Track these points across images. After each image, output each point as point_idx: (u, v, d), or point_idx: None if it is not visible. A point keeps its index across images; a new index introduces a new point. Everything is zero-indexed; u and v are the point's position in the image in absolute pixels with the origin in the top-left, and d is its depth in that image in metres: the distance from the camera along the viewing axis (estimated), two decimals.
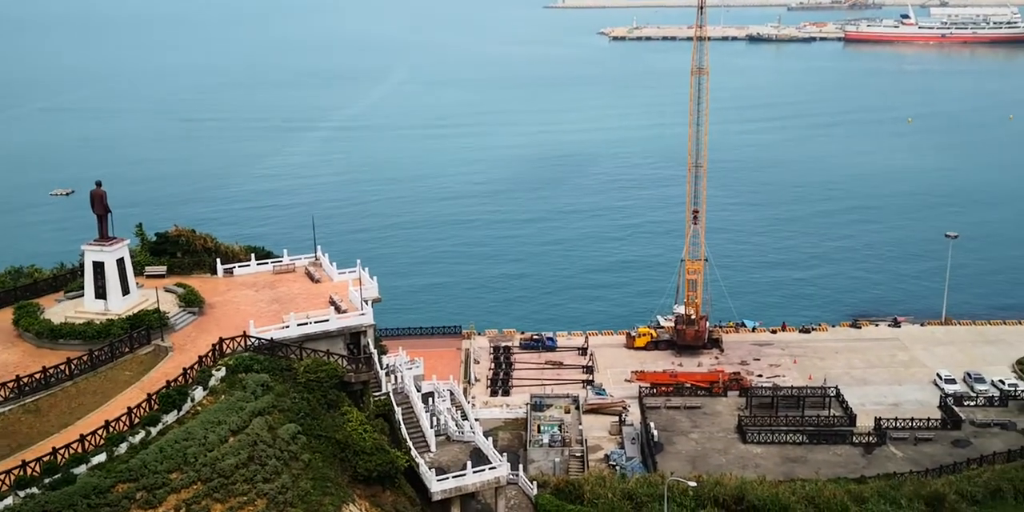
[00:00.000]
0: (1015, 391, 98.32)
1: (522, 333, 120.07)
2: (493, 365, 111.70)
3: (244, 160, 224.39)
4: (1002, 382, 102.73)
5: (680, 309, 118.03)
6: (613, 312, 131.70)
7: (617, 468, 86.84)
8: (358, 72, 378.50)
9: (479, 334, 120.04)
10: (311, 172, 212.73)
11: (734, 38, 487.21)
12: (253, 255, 78.16)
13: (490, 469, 66.09)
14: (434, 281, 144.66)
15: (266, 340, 62.26)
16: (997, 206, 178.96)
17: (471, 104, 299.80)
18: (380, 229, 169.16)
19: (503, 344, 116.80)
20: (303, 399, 60.26)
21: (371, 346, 69.56)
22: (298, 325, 65.12)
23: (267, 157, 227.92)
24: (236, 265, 76.36)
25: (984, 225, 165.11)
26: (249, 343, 61.64)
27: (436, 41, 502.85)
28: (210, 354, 59.24)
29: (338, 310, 69.20)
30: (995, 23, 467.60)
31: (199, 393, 56.01)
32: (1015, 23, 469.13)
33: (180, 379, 55.72)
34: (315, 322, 66.38)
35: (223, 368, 58.43)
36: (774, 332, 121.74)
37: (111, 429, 50.59)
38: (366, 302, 69.62)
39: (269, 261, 78.03)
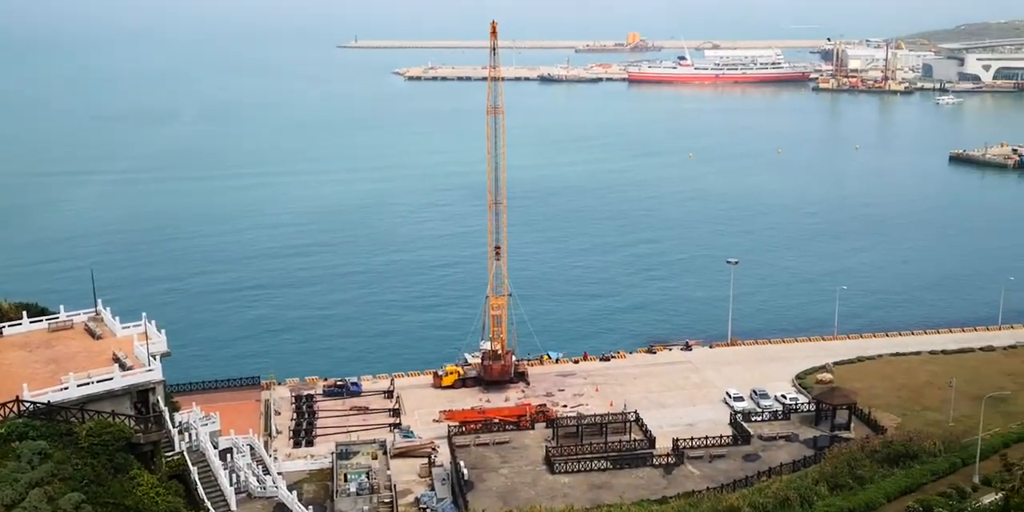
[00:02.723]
0: (796, 404, 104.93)
1: (325, 380, 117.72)
2: (295, 415, 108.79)
3: (11, 212, 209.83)
4: (784, 397, 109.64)
5: (486, 345, 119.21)
6: (419, 352, 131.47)
7: (428, 511, 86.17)
8: (139, 114, 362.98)
9: (280, 384, 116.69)
10: (89, 223, 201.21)
11: (527, 78, 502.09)
12: (25, 312, 73.19)
13: None
14: (229, 331, 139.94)
15: (42, 404, 58.35)
16: (770, 232, 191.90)
17: (263, 147, 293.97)
18: (167, 280, 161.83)
19: (305, 393, 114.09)
20: (87, 465, 56.72)
21: (161, 403, 66.51)
22: (78, 386, 61.50)
23: (38, 208, 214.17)
24: (5, 324, 71.30)
25: (760, 250, 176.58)
26: (23, 408, 57.55)
27: (225, 82, 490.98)
28: None
29: (123, 367, 65.87)
30: (762, 64, 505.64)
31: None
32: (779, 64, 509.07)
33: None
34: (97, 381, 62.91)
35: None
36: (576, 362, 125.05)
37: None
38: (154, 357, 66.67)
39: (44, 318, 73.34)
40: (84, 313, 75.41)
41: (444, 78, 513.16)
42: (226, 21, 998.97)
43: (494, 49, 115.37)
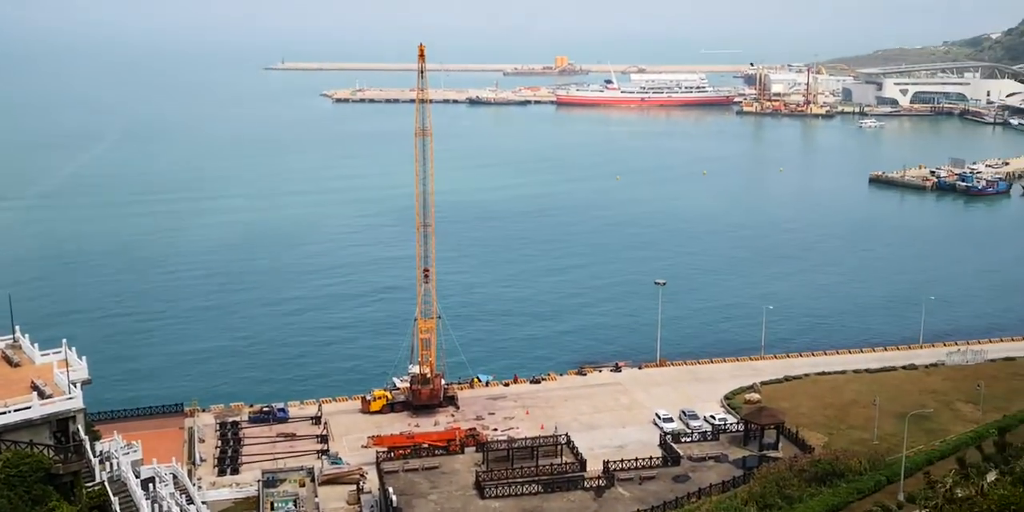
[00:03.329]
0: (724, 425, 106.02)
1: (251, 406, 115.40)
2: (220, 442, 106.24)
3: None
4: (713, 417, 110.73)
5: (415, 369, 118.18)
6: (347, 377, 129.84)
7: None
8: (62, 137, 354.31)
9: (204, 410, 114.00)
10: (6, 249, 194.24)
11: (455, 101, 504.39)
12: None
13: None
14: (152, 358, 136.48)
15: None
16: (697, 254, 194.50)
17: (190, 171, 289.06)
18: (89, 307, 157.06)
19: (230, 419, 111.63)
20: (3, 497, 54.85)
21: (81, 432, 64.48)
22: None
23: None
24: None
25: (688, 272, 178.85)
26: None
27: (150, 104, 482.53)
28: None
29: (42, 395, 63.73)
30: (686, 88, 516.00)
31: None
32: (703, 87, 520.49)
33: None
34: (14, 410, 60.76)
35: None
36: (507, 385, 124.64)
37: None
38: (74, 385, 64.66)
39: None
40: (1, 340, 72.95)
41: (372, 100, 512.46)
42: (150, 43, 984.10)
43: (422, 72, 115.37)
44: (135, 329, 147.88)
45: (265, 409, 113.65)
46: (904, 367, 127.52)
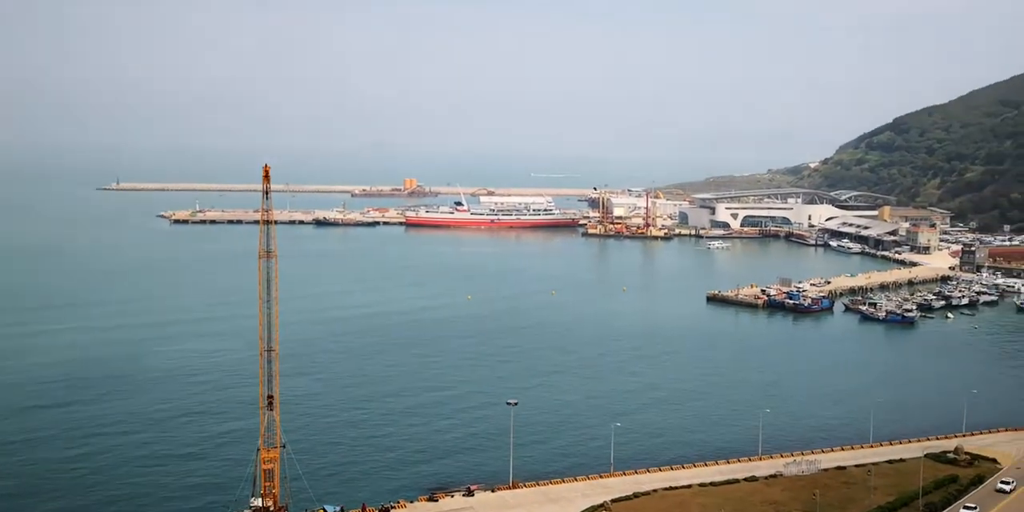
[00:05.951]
0: None
1: None
2: None
3: None
4: None
5: (257, 502, 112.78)
6: None
7: None
8: None
9: None
10: None
11: (302, 222, 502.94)
12: None
13: None
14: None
15: None
16: (547, 372, 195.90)
17: (6, 299, 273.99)
18: None
19: None
20: None
21: None
22: None
23: None
24: None
25: (538, 391, 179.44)
26: None
27: None
28: None
29: None
30: (534, 210, 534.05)
31: None
32: (550, 210, 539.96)
33: None
34: None
35: None
36: None
37: None
38: None
39: None
40: None
41: (213, 221, 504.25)
42: None
43: (267, 192, 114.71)
44: None
45: None
46: (746, 479, 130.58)
